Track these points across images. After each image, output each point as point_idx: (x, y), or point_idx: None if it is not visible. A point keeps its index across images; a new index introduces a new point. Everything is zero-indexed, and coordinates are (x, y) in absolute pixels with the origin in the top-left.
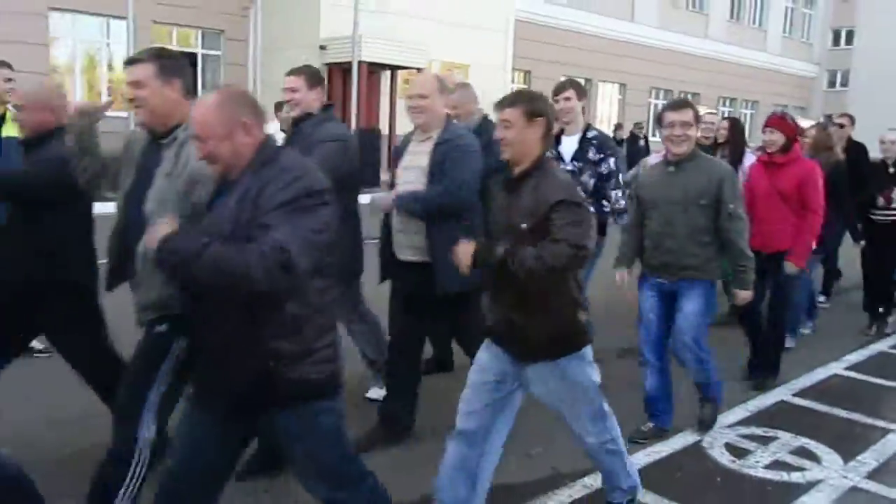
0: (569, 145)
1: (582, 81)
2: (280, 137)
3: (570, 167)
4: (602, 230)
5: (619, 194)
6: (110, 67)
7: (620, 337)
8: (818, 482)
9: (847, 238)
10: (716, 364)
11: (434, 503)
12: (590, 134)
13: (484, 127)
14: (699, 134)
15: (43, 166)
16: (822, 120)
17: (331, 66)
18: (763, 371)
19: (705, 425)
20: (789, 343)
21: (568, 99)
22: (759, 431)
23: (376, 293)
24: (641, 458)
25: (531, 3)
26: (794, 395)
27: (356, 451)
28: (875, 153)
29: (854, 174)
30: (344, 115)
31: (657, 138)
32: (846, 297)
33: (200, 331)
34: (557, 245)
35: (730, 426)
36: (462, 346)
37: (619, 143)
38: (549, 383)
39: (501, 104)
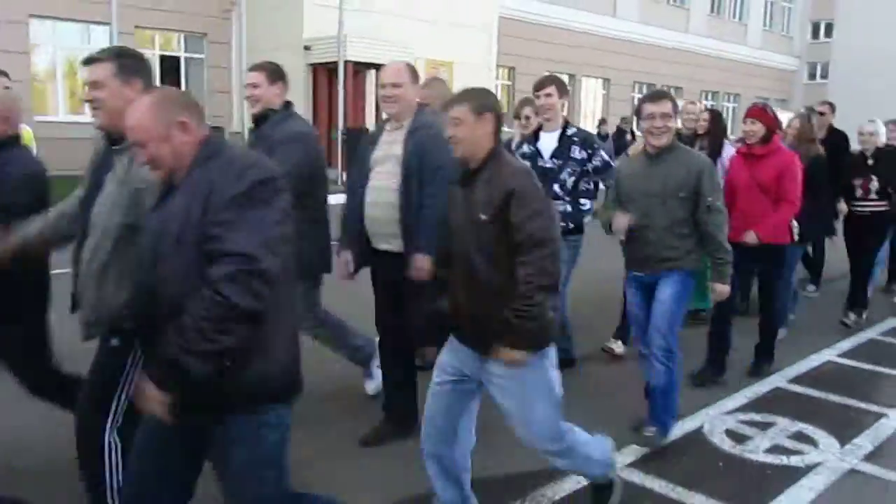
0: (548, 142)
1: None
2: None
3: (549, 164)
4: (580, 228)
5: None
6: None
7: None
8: (817, 465)
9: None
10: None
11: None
12: (570, 131)
13: None
14: (680, 124)
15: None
16: (803, 111)
17: (315, 67)
18: (759, 358)
19: (648, 442)
20: (780, 333)
21: (549, 95)
22: (757, 417)
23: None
24: None
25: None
26: (790, 381)
27: (365, 445)
28: (856, 145)
29: (834, 162)
30: (330, 115)
31: None
32: (836, 286)
33: (155, 336)
34: (532, 257)
35: (729, 413)
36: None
37: (605, 137)
38: (508, 380)
39: (449, 103)
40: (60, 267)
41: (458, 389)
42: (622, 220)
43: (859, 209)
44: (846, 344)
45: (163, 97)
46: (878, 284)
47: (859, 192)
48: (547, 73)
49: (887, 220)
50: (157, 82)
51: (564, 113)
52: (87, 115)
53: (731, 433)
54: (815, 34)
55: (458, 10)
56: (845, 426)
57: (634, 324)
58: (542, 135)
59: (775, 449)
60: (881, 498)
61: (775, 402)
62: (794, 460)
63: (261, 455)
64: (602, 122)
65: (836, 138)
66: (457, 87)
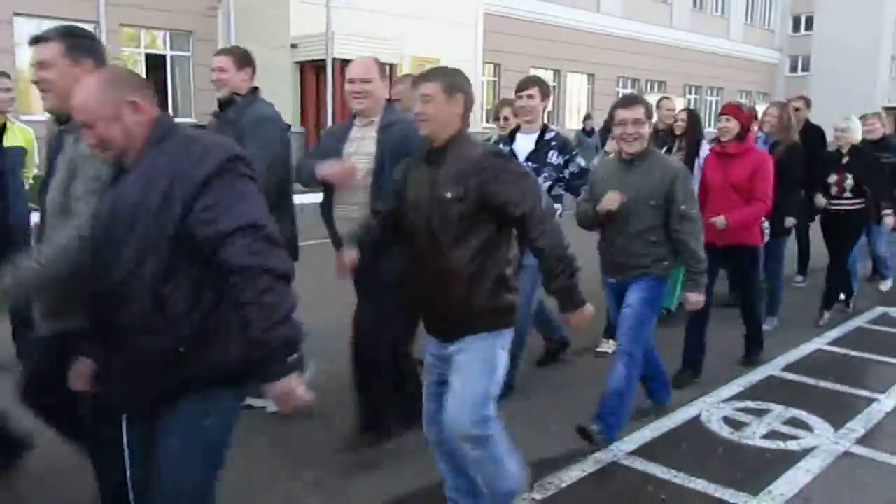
0: (524, 144)
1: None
2: None
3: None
4: None
5: None
6: None
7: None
8: (812, 449)
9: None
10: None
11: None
12: (548, 135)
13: None
14: (657, 118)
15: None
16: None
17: (303, 64)
18: (748, 349)
19: (597, 440)
20: (770, 324)
21: (531, 97)
22: (752, 405)
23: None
24: (647, 433)
25: None
26: (783, 370)
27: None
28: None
29: (810, 157)
30: (318, 112)
31: None
32: (823, 276)
33: (106, 328)
34: (543, 220)
35: (724, 401)
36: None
37: (590, 133)
38: (463, 355)
39: (419, 80)
40: None
41: (445, 390)
42: (614, 196)
43: (834, 206)
44: (835, 332)
45: (111, 76)
46: (864, 275)
47: (834, 190)
48: (532, 70)
49: (863, 218)
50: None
51: (545, 115)
52: None
53: (728, 420)
54: (797, 27)
55: (445, 7)
56: (838, 411)
57: (616, 324)
58: (519, 136)
59: (772, 434)
60: (875, 478)
61: (769, 390)
62: (791, 444)
63: (204, 440)
64: (587, 117)
65: (812, 133)
66: None
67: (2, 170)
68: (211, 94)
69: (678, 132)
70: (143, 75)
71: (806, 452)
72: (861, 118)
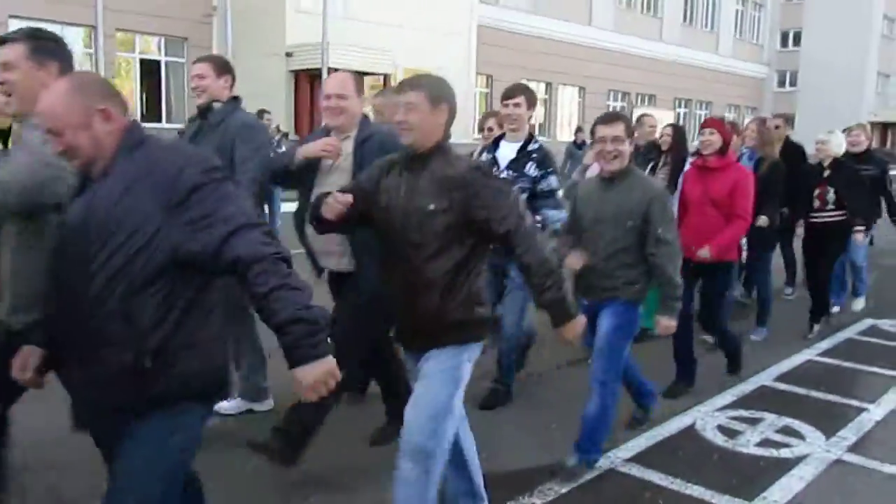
0: (507, 152)
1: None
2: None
3: (503, 174)
4: None
5: (555, 215)
6: None
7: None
8: (805, 456)
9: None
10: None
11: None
12: (531, 147)
13: None
14: (637, 134)
15: None
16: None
17: (297, 73)
18: (729, 365)
19: (566, 476)
20: (759, 335)
21: (518, 105)
22: (745, 414)
23: None
24: (643, 441)
25: (493, 9)
26: (774, 380)
27: (373, 445)
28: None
29: (790, 175)
30: (312, 121)
31: None
32: None
33: (69, 339)
34: (528, 235)
35: (718, 410)
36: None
37: (581, 145)
38: (427, 363)
39: (403, 87)
40: None
41: None
42: (575, 261)
43: (817, 220)
44: (825, 344)
45: (81, 82)
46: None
47: (816, 203)
48: (521, 82)
49: (845, 230)
50: (138, 85)
51: (533, 122)
52: None
53: (722, 428)
54: (784, 42)
55: (439, 19)
56: (830, 420)
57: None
58: (503, 143)
59: (765, 442)
60: (866, 485)
61: (762, 400)
62: (784, 452)
63: (168, 458)
64: (579, 129)
65: (792, 150)
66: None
67: None
68: None
69: (664, 148)
70: (138, 80)
71: (799, 460)
72: (846, 130)
